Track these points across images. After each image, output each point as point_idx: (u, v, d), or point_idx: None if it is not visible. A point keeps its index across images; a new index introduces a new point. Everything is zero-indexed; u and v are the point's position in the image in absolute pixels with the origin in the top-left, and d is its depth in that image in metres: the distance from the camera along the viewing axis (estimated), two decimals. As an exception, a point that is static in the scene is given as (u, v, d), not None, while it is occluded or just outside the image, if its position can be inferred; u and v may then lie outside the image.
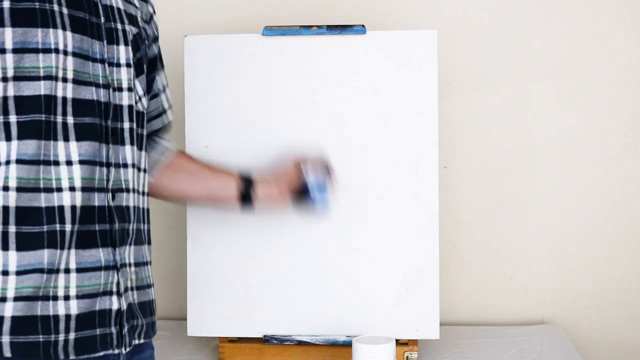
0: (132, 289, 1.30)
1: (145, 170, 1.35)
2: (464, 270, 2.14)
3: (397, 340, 1.80)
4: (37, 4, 1.17)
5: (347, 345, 1.77)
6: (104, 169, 1.24)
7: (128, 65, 1.29)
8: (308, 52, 1.79)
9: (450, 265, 2.08)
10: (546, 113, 2.11)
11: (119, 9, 1.31)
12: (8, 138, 1.17)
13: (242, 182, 1.58)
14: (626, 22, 2.09)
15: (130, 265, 1.29)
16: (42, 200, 1.18)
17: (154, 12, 1.46)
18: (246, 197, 1.57)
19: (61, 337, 1.19)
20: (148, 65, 1.42)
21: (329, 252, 1.79)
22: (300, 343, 1.79)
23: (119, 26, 1.29)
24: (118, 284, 1.25)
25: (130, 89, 1.29)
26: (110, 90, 1.25)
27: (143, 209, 1.34)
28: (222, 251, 1.80)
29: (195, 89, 1.81)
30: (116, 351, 1.26)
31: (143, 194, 1.34)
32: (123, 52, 1.29)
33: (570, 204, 2.12)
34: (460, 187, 2.12)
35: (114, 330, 1.25)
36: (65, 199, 1.19)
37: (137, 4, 1.38)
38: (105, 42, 1.26)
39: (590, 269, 2.13)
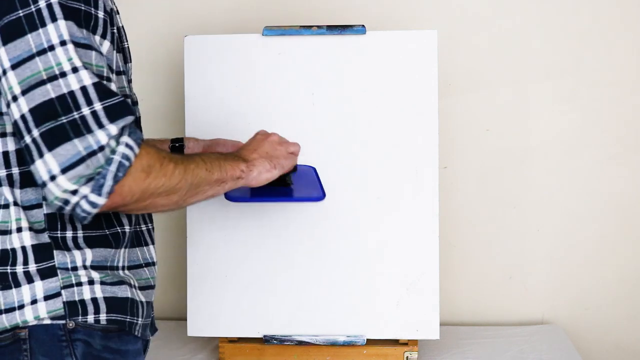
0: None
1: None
2: (464, 270, 2.14)
3: (397, 340, 1.80)
4: None
5: (347, 345, 1.78)
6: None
7: None
8: (308, 52, 1.79)
9: (450, 265, 2.07)
10: (546, 113, 2.11)
11: None
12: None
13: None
14: (626, 22, 2.09)
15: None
16: None
17: None
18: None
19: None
20: None
21: (329, 252, 1.79)
22: (300, 343, 1.79)
23: None
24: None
25: None
26: None
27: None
28: (222, 251, 1.80)
29: (195, 89, 1.81)
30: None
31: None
32: None
33: (570, 204, 2.12)
34: (460, 187, 2.12)
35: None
36: None
37: None
38: None
39: (590, 269, 2.13)
